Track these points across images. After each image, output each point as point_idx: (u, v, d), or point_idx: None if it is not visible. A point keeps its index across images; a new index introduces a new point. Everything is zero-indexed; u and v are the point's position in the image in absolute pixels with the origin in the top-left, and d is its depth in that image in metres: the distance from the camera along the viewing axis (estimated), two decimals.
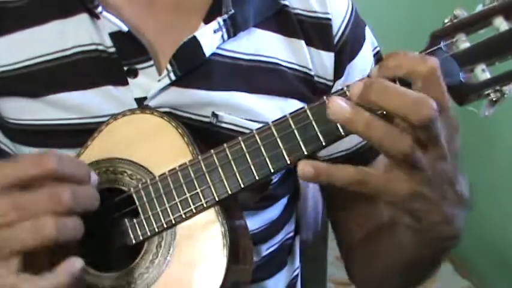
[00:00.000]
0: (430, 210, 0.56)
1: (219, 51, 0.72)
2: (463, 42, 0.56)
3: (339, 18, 0.77)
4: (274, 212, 0.83)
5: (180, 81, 0.70)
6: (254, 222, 0.79)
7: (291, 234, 0.90)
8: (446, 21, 0.57)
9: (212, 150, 0.62)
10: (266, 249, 0.83)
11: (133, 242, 0.64)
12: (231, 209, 0.65)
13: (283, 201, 0.85)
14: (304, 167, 0.53)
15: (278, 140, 0.59)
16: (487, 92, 0.55)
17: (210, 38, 0.70)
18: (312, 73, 0.76)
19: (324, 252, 1.00)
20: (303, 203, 0.96)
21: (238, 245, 0.63)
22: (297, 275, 0.94)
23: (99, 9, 0.69)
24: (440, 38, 0.56)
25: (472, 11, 0.57)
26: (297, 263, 0.94)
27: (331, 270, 0.99)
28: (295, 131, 0.58)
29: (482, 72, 0.55)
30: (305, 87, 0.76)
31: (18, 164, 0.56)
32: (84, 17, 0.71)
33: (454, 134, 0.54)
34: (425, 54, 0.56)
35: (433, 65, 0.52)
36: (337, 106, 0.52)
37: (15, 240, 0.55)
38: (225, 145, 0.61)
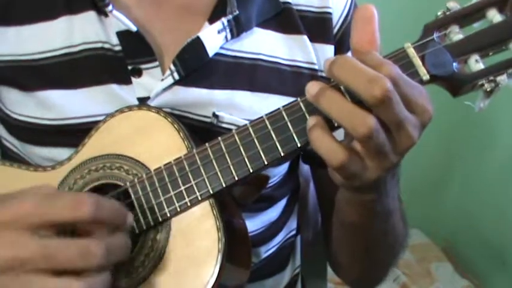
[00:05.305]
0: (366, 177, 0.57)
1: (222, 51, 0.72)
2: (456, 34, 0.56)
3: (338, 11, 0.77)
4: (273, 213, 0.83)
5: (183, 81, 0.71)
6: (253, 224, 0.79)
7: (293, 233, 0.90)
8: (439, 13, 0.58)
9: (207, 144, 0.62)
10: (265, 251, 0.84)
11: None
12: (228, 207, 0.66)
13: (283, 203, 0.85)
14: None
15: (272, 132, 0.59)
16: (480, 83, 0.55)
17: (213, 38, 0.71)
18: (316, 67, 0.76)
19: (324, 252, 1.00)
20: (303, 203, 0.96)
21: (235, 243, 0.63)
22: (298, 274, 0.94)
23: (110, 7, 0.69)
24: (433, 30, 0.56)
25: (465, 3, 0.57)
26: (298, 261, 0.94)
27: (331, 270, 0.99)
28: (289, 123, 0.58)
29: (476, 63, 0.55)
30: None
31: (53, 204, 0.53)
32: (91, 15, 0.71)
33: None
34: (417, 45, 0.56)
35: (384, 91, 0.50)
36: (308, 86, 0.54)
37: None
38: (219, 138, 0.61)
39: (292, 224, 0.90)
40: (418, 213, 1.79)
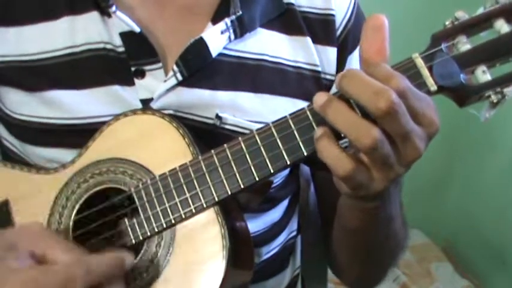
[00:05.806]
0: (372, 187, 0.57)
1: (225, 51, 0.72)
2: (464, 44, 0.56)
3: (341, 13, 0.77)
4: (275, 214, 0.83)
5: (186, 82, 0.70)
6: (256, 225, 0.79)
7: (294, 233, 0.90)
8: (447, 23, 0.57)
9: (212, 151, 0.61)
10: (267, 251, 0.83)
11: (133, 241, 0.64)
12: (231, 211, 0.65)
13: (285, 203, 0.85)
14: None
15: (278, 140, 0.59)
16: (487, 94, 0.55)
17: (217, 38, 0.71)
18: (319, 69, 0.76)
19: (324, 252, 1.00)
20: (304, 203, 0.96)
21: (238, 247, 0.63)
22: (298, 274, 0.94)
23: (113, 8, 0.69)
24: (441, 40, 0.56)
25: (473, 13, 0.57)
26: (298, 262, 0.94)
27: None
28: (295, 132, 0.58)
29: (483, 74, 0.55)
30: (312, 85, 0.76)
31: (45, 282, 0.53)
32: (94, 15, 0.71)
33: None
34: (424, 56, 0.56)
35: (389, 103, 0.50)
36: (316, 96, 0.55)
37: None
38: (225, 145, 0.61)
39: (294, 224, 0.90)
40: (419, 214, 1.79)
